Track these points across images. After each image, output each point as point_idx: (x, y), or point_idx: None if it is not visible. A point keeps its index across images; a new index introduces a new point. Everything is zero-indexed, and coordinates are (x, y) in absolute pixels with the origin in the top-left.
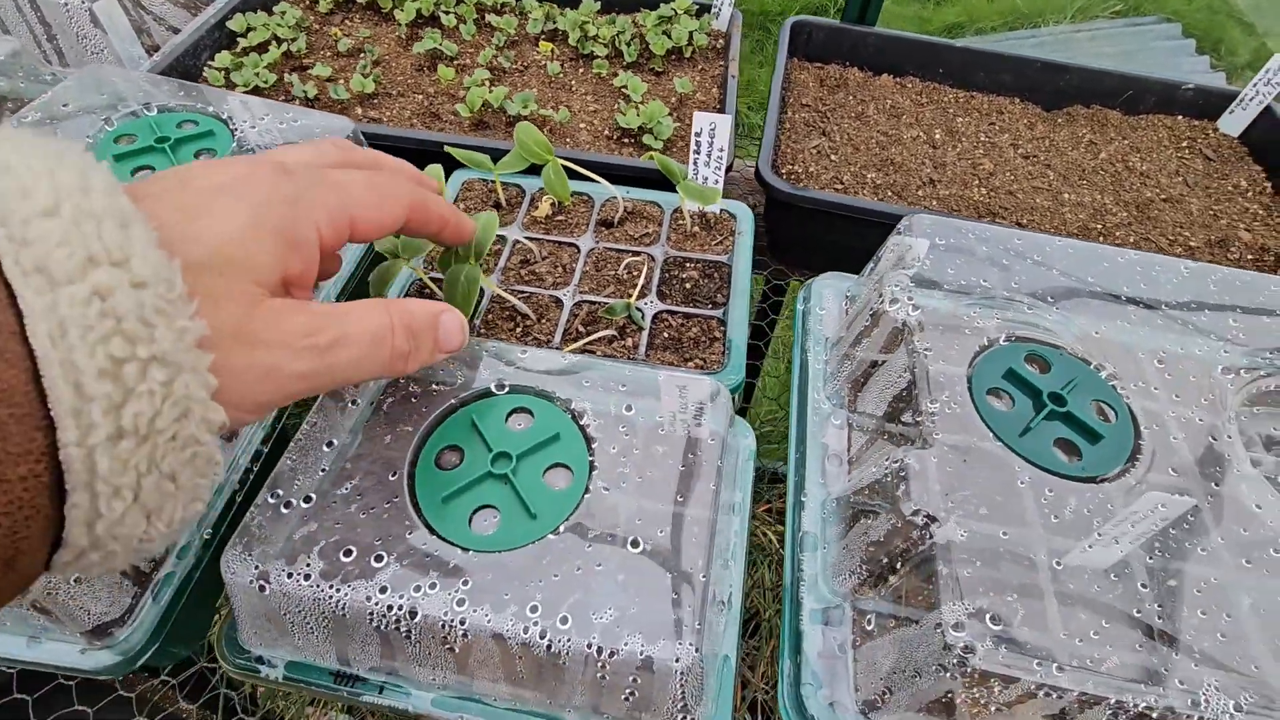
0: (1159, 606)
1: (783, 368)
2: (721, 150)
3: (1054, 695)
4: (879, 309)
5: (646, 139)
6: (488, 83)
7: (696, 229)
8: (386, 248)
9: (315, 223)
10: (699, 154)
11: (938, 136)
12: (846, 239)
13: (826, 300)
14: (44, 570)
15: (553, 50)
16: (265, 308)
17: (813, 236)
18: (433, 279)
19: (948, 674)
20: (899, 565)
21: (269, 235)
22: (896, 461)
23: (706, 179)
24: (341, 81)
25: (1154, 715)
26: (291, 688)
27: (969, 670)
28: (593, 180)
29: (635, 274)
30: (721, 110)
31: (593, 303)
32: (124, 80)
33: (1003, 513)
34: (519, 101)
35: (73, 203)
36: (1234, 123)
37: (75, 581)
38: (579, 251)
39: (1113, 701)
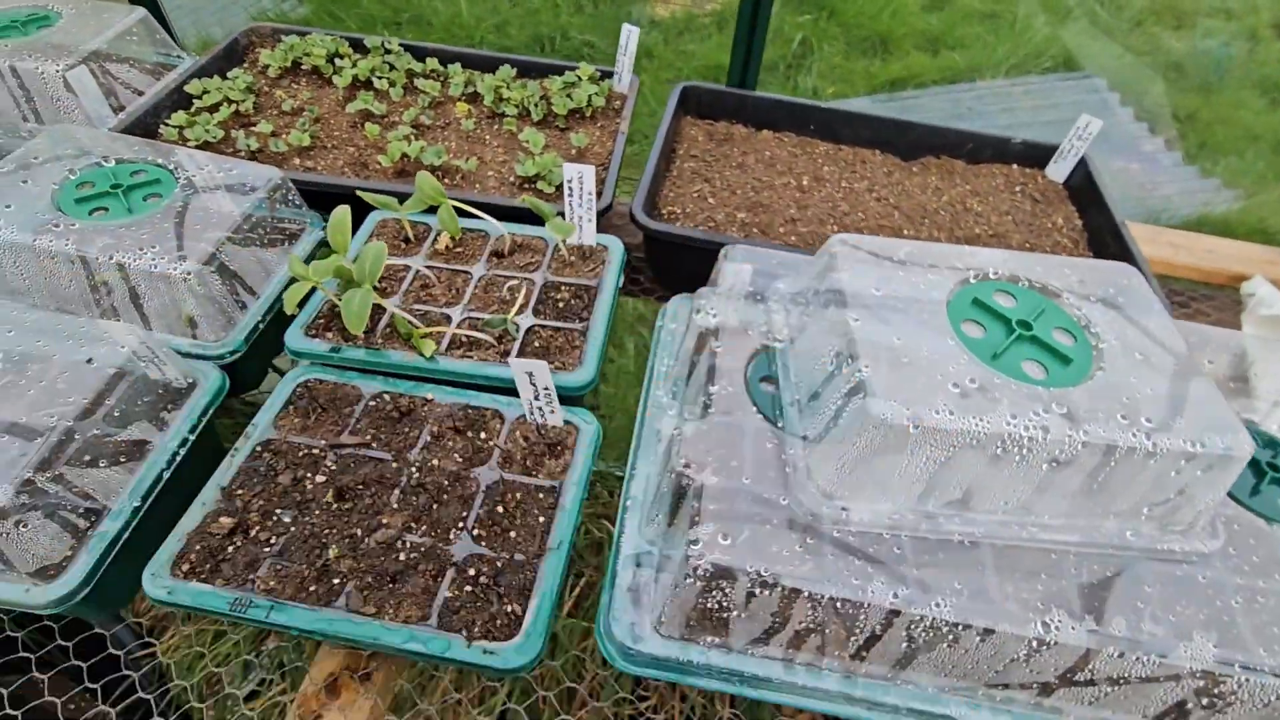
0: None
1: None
2: (591, 194)
3: (766, 590)
4: (692, 320)
5: (541, 185)
6: (409, 138)
7: (574, 259)
8: (298, 271)
9: None
10: (573, 197)
11: (805, 182)
12: (705, 268)
13: (678, 317)
14: None
15: (469, 110)
16: None
17: (682, 264)
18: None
19: (691, 578)
20: (677, 507)
21: None
22: (678, 430)
23: (581, 218)
24: (282, 136)
25: (837, 603)
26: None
27: (703, 571)
28: (482, 219)
29: (516, 295)
30: (608, 163)
31: (478, 319)
32: (88, 137)
33: (739, 463)
34: (432, 153)
35: None
36: (1058, 170)
37: (18, 526)
38: (471, 277)
39: (807, 593)
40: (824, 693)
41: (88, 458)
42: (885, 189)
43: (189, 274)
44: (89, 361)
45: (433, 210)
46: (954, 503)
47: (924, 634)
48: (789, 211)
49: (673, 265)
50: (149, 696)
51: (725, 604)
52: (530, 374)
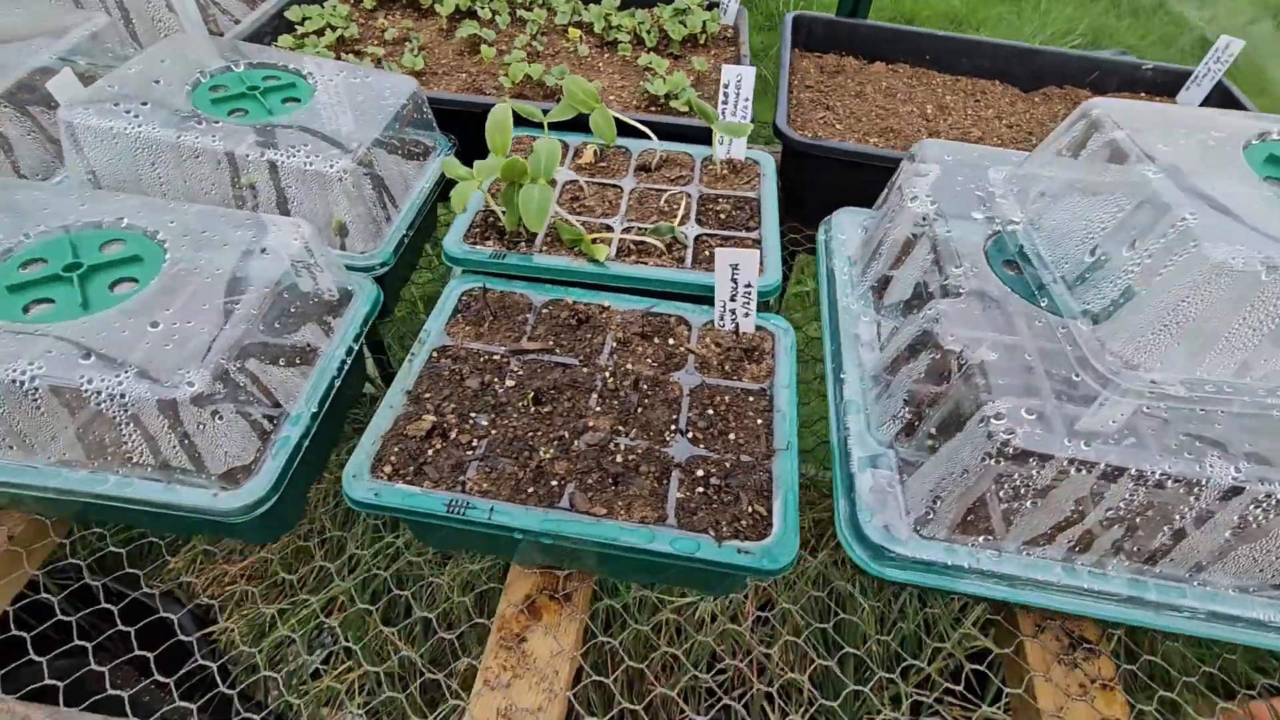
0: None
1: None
2: (746, 100)
3: (1082, 470)
4: (902, 207)
5: (673, 104)
6: (525, 61)
7: (725, 172)
8: (458, 173)
9: None
10: (726, 104)
11: (929, 111)
12: (854, 185)
13: (845, 229)
14: None
15: (580, 36)
16: None
17: (824, 183)
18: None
19: (992, 459)
20: (939, 396)
21: None
22: (933, 310)
23: (731, 129)
24: (393, 61)
25: (1168, 482)
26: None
27: (1011, 451)
28: (636, 129)
29: (675, 205)
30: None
31: (640, 229)
32: (208, 45)
33: (1013, 341)
34: (556, 73)
35: None
36: (1190, 98)
37: (215, 417)
38: (622, 190)
39: (1133, 471)
40: (1110, 596)
41: (269, 355)
42: (1013, 118)
43: (345, 173)
44: (263, 251)
45: (574, 126)
46: (1273, 374)
47: (1260, 517)
48: (922, 137)
49: (812, 183)
50: (230, 692)
51: (1020, 492)
52: (735, 266)
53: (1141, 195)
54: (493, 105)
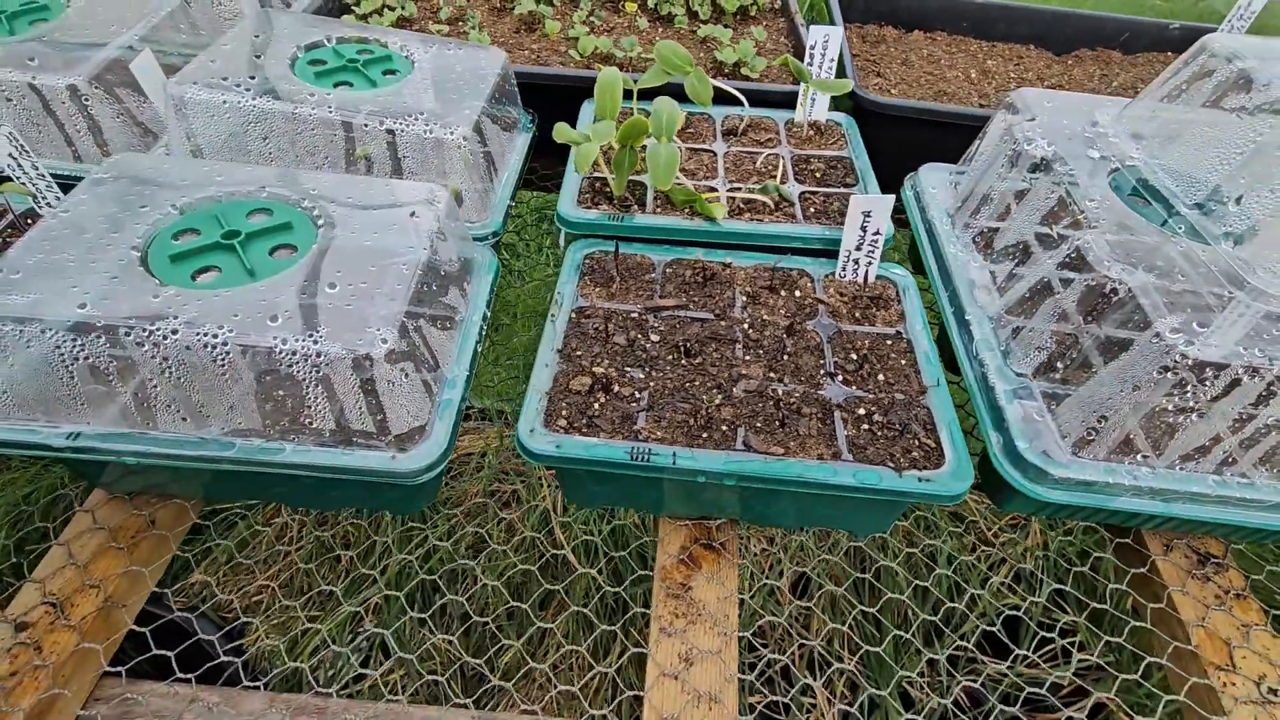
0: None
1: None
2: (833, 60)
3: (1255, 377)
4: (1014, 153)
5: (743, 71)
6: (591, 34)
7: (811, 134)
8: (571, 136)
9: None
10: (813, 64)
11: (973, 75)
12: (925, 143)
13: (933, 184)
14: None
15: (636, 10)
16: None
17: (895, 143)
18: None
19: (1169, 372)
20: (1097, 321)
21: None
22: (1080, 240)
23: (827, 86)
24: (457, 38)
25: None
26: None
27: (1188, 362)
28: (731, 92)
29: (772, 166)
30: (797, 48)
31: (746, 188)
32: (292, 20)
33: (1165, 264)
34: (626, 44)
35: None
36: None
37: (404, 374)
38: (715, 155)
39: None
40: (1258, 504)
41: (429, 317)
42: (1052, 80)
43: (464, 140)
44: (413, 215)
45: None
46: None
47: None
48: (974, 99)
49: (887, 141)
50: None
51: (1190, 404)
52: (867, 214)
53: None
54: (570, 77)
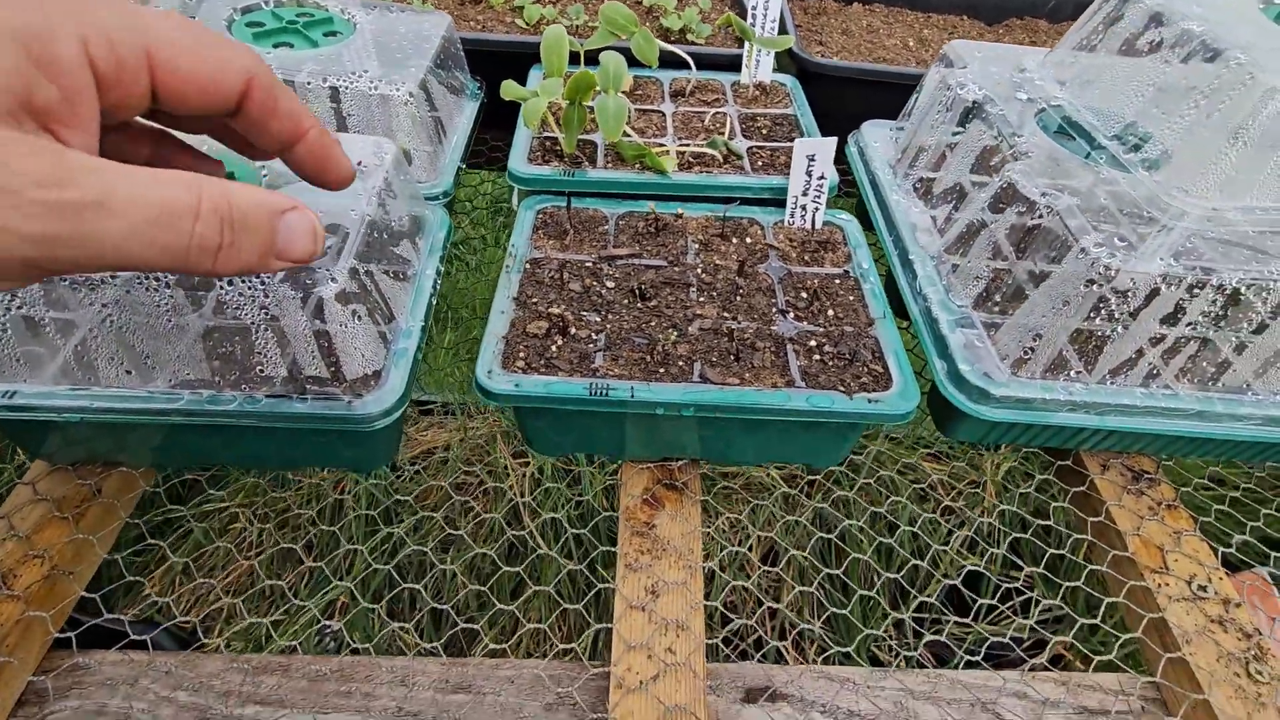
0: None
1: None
2: (774, 21)
3: (1173, 285)
4: (948, 99)
5: (689, 37)
6: (537, 3)
7: (757, 94)
8: (520, 93)
9: (82, 39)
10: (755, 24)
11: (911, 43)
12: (864, 103)
13: (875, 139)
14: None
15: None
16: None
17: (842, 103)
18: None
19: (1094, 285)
20: (1024, 250)
21: (4, 40)
22: (1010, 171)
23: (760, 49)
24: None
25: (1242, 288)
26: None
27: (1111, 273)
28: (676, 52)
29: (719, 124)
30: (741, 13)
31: (694, 145)
32: None
33: (1089, 189)
34: (574, 11)
35: None
36: None
37: (355, 317)
38: (664, 114)
39: (1214, 283)
40: (1181, 412)
41: (378, 264)
42: None
43: (410, 96)
44: (359, 164)
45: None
46: None
47: None
48: (911, 64)
49: (829, 102)
50: None
51: (1115, 315)
52: (811, 158)
53: (1188, 48)
54: (517, 43)
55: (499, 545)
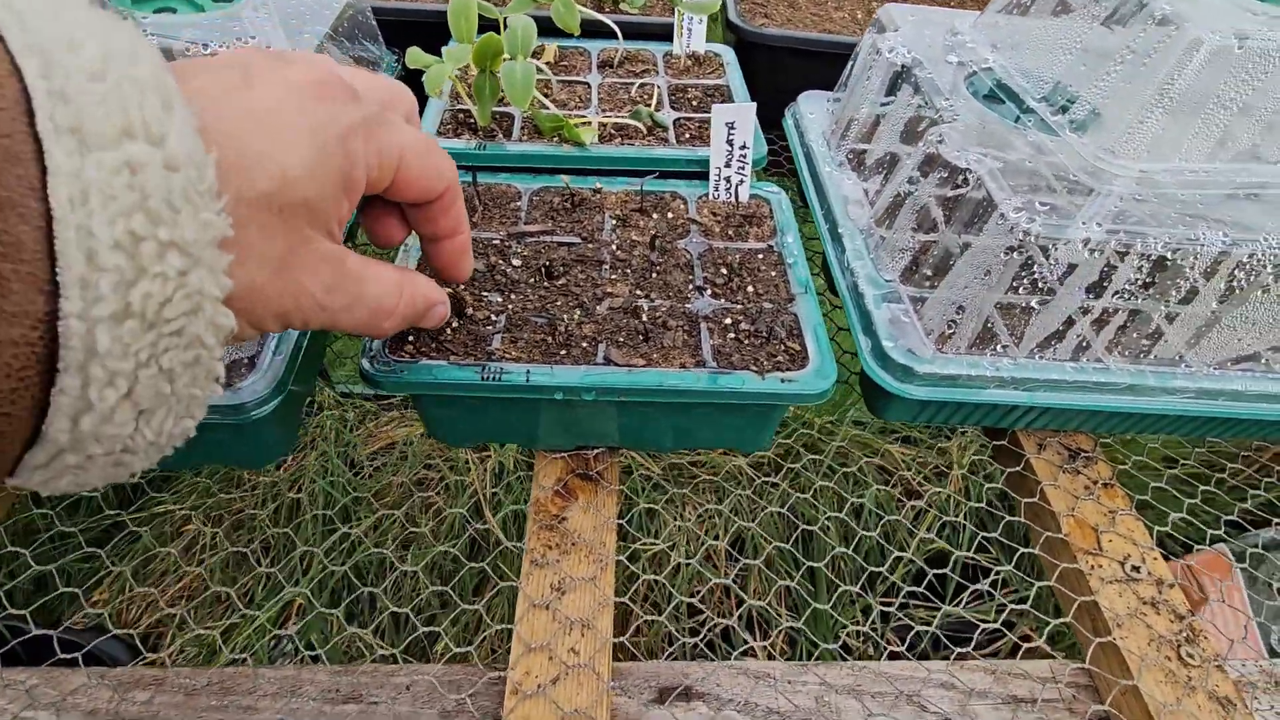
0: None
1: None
2: None
3: (1096, 252)
4: (881, 61)
5: (622, 6)
6: None
7: (689, 64)
8: (424, 60)
9: (368, 164)
10: None
11: (859, 16)
12: (803, 74)
13: (810, 110)
14: (8, 473)
15: None
16: (309, 250)
17: (776, 73)
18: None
19: (1015, 252)
20: (951, 213)
21: (332, 180)
22: (936, 136)
23: (692, 19)
24: None
25: (1169, 253)
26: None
27: (1032, 238)
28: (597, 16)
29: (647, 95)
30: None
31: (618, 116)
32: None
33: (1015, 153)
34: None
35: (119, 69)
36: None
37: None
38: (590, 86)
39: (1139, 249)
40: (1113, 386)
41: None
42: None
43: None
44: None
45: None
46: (1243, 153)
47: (1243, 279)
48: (856, 37)
49: (768, 72)
50: None
51: (1037, 285)
52: (731, 125)
53: (1115, 1)
54: (439, 12)
55: (460, 543)
